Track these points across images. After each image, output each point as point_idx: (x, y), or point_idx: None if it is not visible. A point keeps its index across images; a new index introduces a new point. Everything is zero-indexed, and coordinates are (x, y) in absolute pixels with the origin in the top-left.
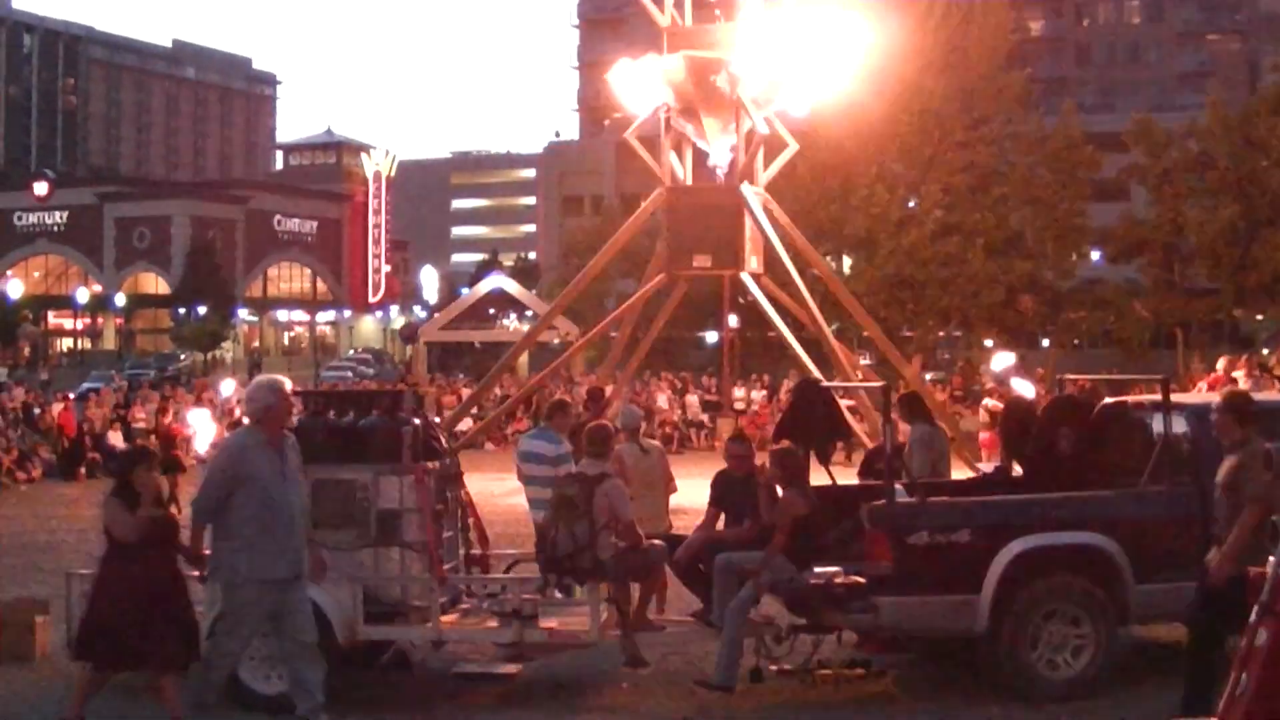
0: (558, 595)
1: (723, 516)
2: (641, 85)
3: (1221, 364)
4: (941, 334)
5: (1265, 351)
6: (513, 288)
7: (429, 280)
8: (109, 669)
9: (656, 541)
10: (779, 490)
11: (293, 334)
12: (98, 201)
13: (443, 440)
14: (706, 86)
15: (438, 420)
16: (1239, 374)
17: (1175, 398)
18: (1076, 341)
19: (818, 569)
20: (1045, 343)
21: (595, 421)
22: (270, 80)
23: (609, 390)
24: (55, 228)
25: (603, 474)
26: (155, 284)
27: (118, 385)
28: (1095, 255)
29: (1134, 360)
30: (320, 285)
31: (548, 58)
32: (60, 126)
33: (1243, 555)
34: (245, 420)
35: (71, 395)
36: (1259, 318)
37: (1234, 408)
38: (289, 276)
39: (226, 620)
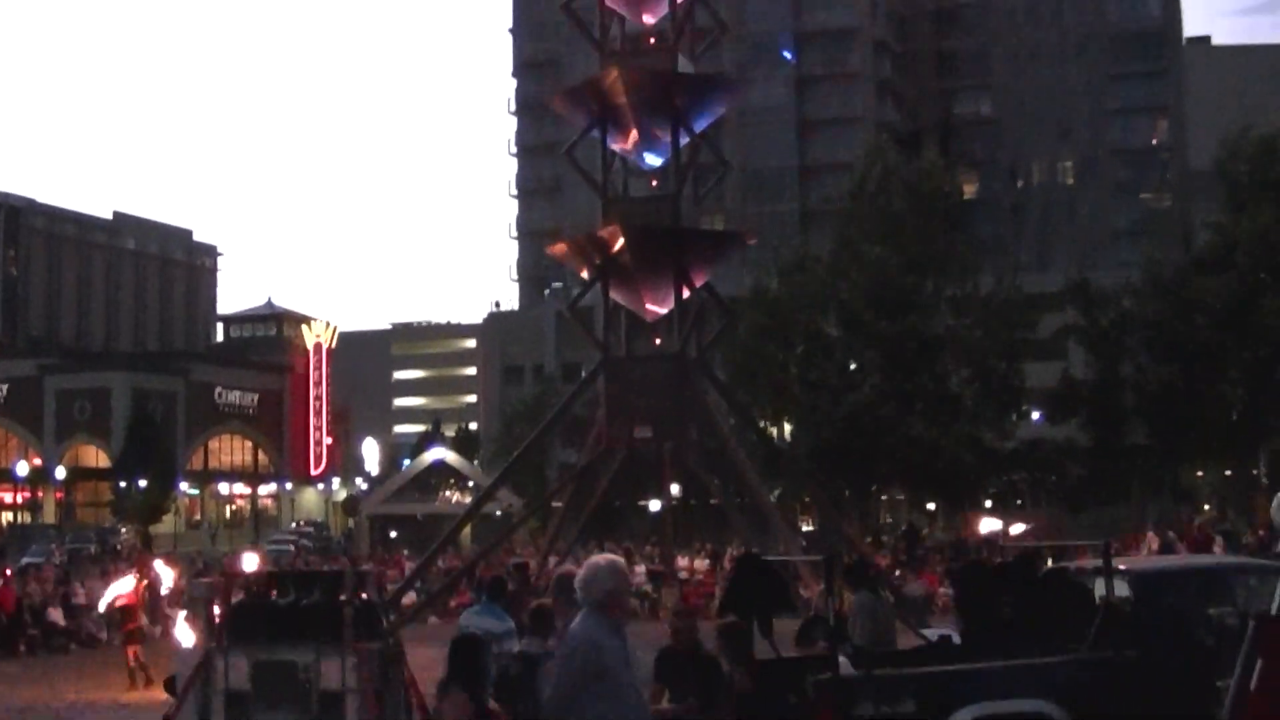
0: None
1: (667, 693)
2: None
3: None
4: (885, 498)
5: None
6: (454, 459)
7: (370, 452)
8: None
9: None
10: (723, 666)
11: (234, 506)
12: (38, 373)
13: (384, 620)
14: (642, 253)
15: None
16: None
17: (1117, 562)
18: (1019, 501)
19: None
20: (988, 504)
21: (538, 601)
22: (211, 252)
23: (551, 563)
24: None
25: (546, 653)
26: (96, 456)
27: (58, 559)
28: (1035, 415)
29: (1077, 518)
30: (262, 457)
31: (486, 227)
32: (0, 297)
33: None
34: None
35: (9, 570)
36: (1199, 474)
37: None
38: (230, 448)
39: None
